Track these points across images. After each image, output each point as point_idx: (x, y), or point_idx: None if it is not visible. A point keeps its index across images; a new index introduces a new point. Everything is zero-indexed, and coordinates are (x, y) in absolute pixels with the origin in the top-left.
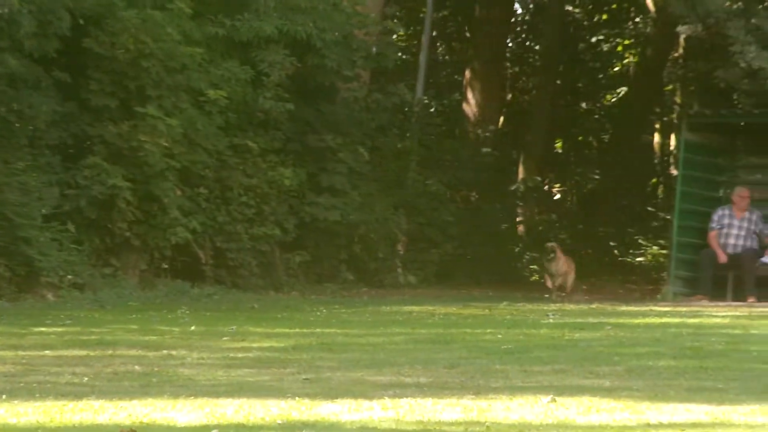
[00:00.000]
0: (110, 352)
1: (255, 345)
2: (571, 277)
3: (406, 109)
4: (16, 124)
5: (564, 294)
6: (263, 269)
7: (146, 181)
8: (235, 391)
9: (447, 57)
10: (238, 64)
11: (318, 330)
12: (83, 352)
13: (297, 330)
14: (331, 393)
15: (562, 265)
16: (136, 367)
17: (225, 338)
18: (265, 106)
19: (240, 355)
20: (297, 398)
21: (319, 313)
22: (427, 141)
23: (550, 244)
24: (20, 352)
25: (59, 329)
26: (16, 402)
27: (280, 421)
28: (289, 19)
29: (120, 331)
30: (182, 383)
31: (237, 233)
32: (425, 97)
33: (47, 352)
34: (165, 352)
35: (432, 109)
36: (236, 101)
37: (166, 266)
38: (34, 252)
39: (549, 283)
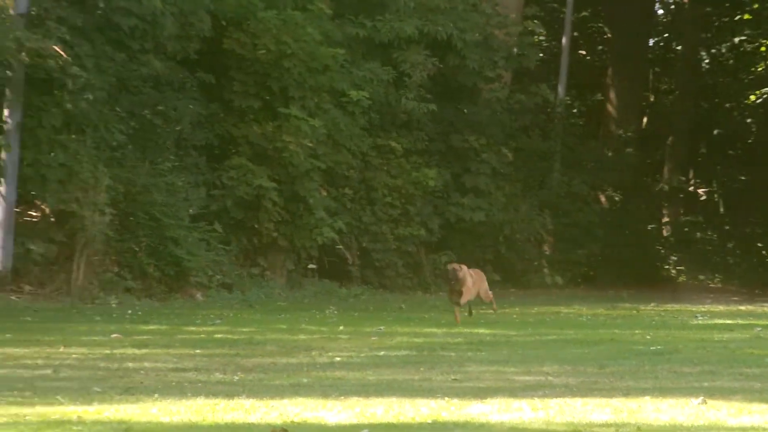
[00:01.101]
0: (260, 351)
1: (403, 345)
2: (480, 290)
3: (549, 109)
4: (162, 126)
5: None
6: (409, 269)
7: (291, 181)
8: (385, 390)
9: (588, 57)
10: (379, 65)
11: (465, 330)
12: (233, 351)
13: (444, 330)
14: (480, 393)
15: (468, 283)
16: (286, 366)
17: (373, 338)
18: (408, 107)
19: (389, 354)
20: (446, 398)
21: (466, 314)
22: (570, 141)
23: (451, 266)
24: (171, 351)
25: (209, 328)
26: (168, 401)
27: (430, 421)
28: (429, 20)
29: (269, 330)
30: (332, 383)
31: (383, 233)
32: (567, 98)
33: (198, 350)
34: (314, 352)
35: (574, 110)
36: (378, 102)
37: (313, 266)
38: (183, 252)
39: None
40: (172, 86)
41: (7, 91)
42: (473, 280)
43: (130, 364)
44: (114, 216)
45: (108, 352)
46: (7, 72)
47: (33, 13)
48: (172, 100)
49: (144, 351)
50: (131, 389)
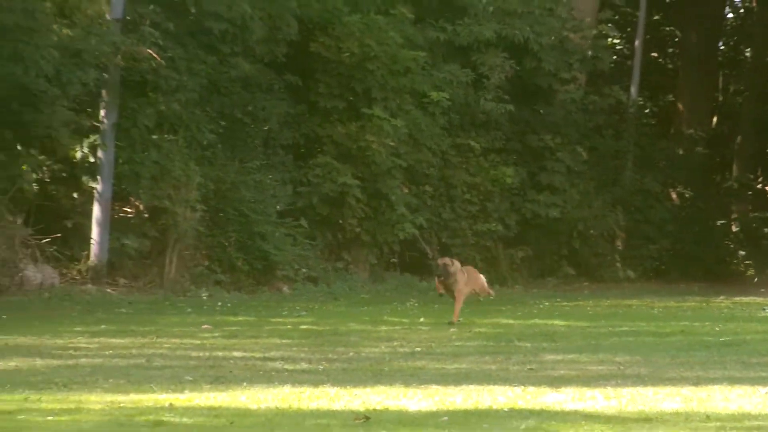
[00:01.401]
0: (344, 341)
1: (481, 336)
2: (476, 288)
3: (622, 110)
4: (251, 126)
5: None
6: (487, 264)
7: (374, 179)
8: (463, 379)
9: (660, 60)
10: (459, 67)
11: (541, 322)
12: (318, 342)
13: (521, 321)
14: (555, 382)
15: (461, 283)
16: (369, 356)
17: (452, 330)
18: (486, 108)
19: (467, 345)
20: (522, 387)
21: (541, 306)
22: (642, 141)
23: (441, 260)
24: (259, 341)
25: (295, 320)
26: (256, 389)
27: (506, 409)
28: (507, 24)
29: (353, 322)
30: (412, 372)
31: (461, 229)
32: (640, 99)
33: (284, 341)
34: (396, 342)
35: (646, 110)
36: (458, 103)
37: (394, 260)
38: (270, 247)
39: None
40: (260, 88)
41: (104, 93)
42: (466, 279)
43: (220, 354)
44: (204, 212)
45: (198, 342)
46: (104, 75)
47: (128, 18)
48: (260, 101)
49: (233, 341)
50: (221, 378)
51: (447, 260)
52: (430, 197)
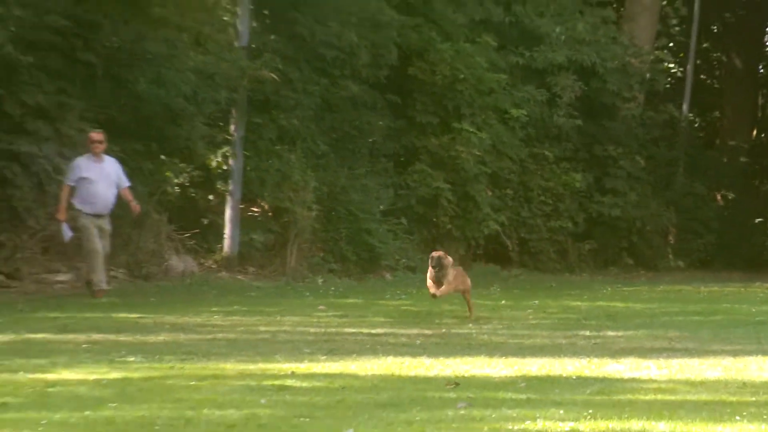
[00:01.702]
0: (437, 320)
1: (553, 315)
2: (462, 288)
3: (674, 124)
4: (358, 138)
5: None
6: (559, 255)
7: (463, 183)
8: (538, 351)
9: (708, 81)
10: (535, 88)
11: (604, 304)
12: (415, 320)
13: (587, 303)
14: (616, 354)
15: (450, 276)
16: (458, 332)
17: (529, 310)
18: (558, 122)
19: (541, 323)
20: (588, 358)
21: (605, 291)
22: (691, 151)
23: (436, 253)
24: (366, 319)
25: (396, 302)
26: (364, 359)
27: (575, 377)
28: (576, 50)
29: (445, 304)
30: (495, 346)
31: (537, 226)
32: (690, 115)
33: (388, 319)
34: (481, 321)
35: (696, 125)
36: (534, 118)
37: (480, 252)
38: (375, 240)
39: (433, 289)
40: (366, 106)
41: (234, 111)
42: (455, 275)
43: (333, 330)
44: (319, 211)
45: (315, 320)
46: (233, 95)
47: (253, 46)
48: (366, 117)
49: (344, 320)
50: (334, 350)
51: (441, 253)
52: (510, 199)
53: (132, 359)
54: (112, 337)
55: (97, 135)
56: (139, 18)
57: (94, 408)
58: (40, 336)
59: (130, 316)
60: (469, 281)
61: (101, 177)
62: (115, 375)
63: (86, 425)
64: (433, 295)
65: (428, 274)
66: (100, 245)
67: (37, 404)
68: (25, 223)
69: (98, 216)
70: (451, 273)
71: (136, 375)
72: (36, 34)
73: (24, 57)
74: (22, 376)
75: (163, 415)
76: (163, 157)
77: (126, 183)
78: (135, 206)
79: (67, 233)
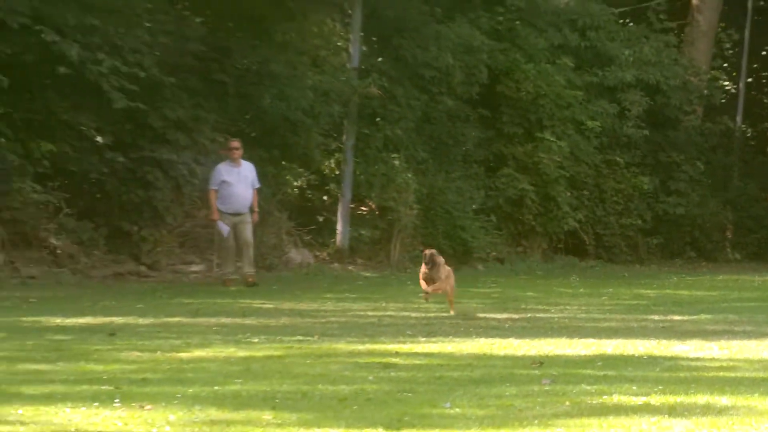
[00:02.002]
0: (523, 306)
1: (625, 302)
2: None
3: (730, 134)
4: (453, 146)
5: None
6: (630, 249)
7: (545, 185)
8: (613, 333)
9: (758, 96)
10: (607, 102)
11: (670, 292)
12: (504, 306)
13: (655, 291)
14: (682, 336)
15: (442, 275)
16: (542, 316)
17: (604, 297)
18: (628, 132)
19: (615, 308)
20: (657, 340)
21: (671, 280)
22: (745, 157)
23: (429, 251)
24: (461, 306)
25: (487, 290)
26: (459, 341)
27: (645, 357)
28: (642, 70)
29: (530, 291)
30: (574, 329)
31: (610, 223)
32: (743, 126)
33: (480, 305)
34: (560, 307)
35: (748, 135)
36: (607, 129)
37: (560, 246)
38: (468, 236)
39: (425, 286)
40: (459, 118)
41: (345, 123)
42: (447, 274)
43: (432, 315)
44: (419, 210)
45: (416, 306)
46: (345, 109)
47: (362, 67)
48: (460, 128)
49: (442, 305)
50: (433, 333)
51: (434, 251)
52: (586, 199)
53: (256, 340)
54: (238, 320)
55: (235, 143)
56: (265, 43)
57: (222, 383)
58: (175, 319)
59: (254, 303)
60: (453, 281)
61: (239, 180)
62: (241, 354)
63: (215, 398)
64: (426, 294)
65: (420, 273)
66: (232, 242)
67: (172, 380)
68: (165, 221)
69: (236, 214)
70: (443, 271)
71: (259, 354)
72: (177, 58)
73: (167, 78)
74: (160, 355)
75: (282, 390)
76: (284, 163)
77: (256, 185)
78: (254, 217)
79: (224, 228)
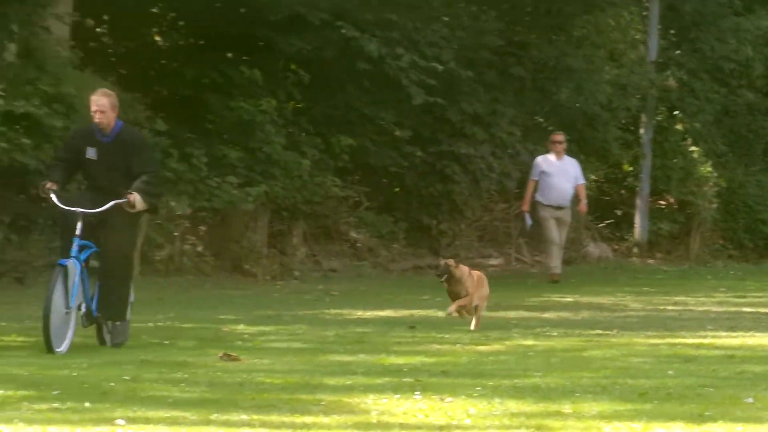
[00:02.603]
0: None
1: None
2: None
3: None
4: (753, 140)
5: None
6: None
7: None
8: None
9: None
10: None
11: None
12: None
13: None
14: None
15: (468, 284)
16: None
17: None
18: None
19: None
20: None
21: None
22: None
23: (444, 261)
24: (764, 300)
25: None
26: (759, 335)
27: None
28: None
29: None
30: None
31: None
32: None
33: None
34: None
35: None
36: None
37: None
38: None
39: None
40: (760, 111)
41: (642, 116)
42: (475, 284)
43: (732, 309)
44: (719, 204)
45: (716, 300)
46: (643, 102)
47: (660, 60)
48: (760, 121)
49: (743, 300)
50: (734, 327)
51: (451, 261)
52: None
53: (555, 333)
54: (537, 314)
55: (558, 136)
56: (562, 38)
57: (522, 376)
58: None
59: (552, 296)
60: (485, 291)
61: (559, 172)
62: (540, 347)
63: (515, 391)
64: (456, 312)
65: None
66: (556, 235)
67: (472, 372)
68: (463, 215)
69: (556, 208)
70: (469, 281)
71: (558, 347)
72: (474, 52)
73: (464, 72)
74: (459, 348)
75: (582, 383)
76: (582, 156)
77: (581, 180)
78: (583, 206)
79: (528, 221)
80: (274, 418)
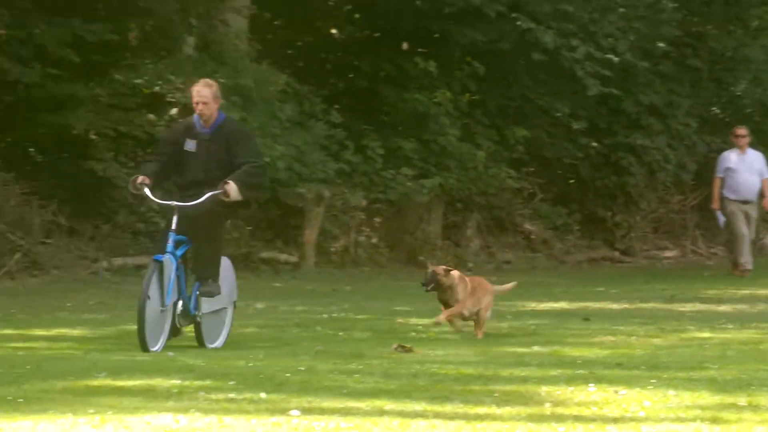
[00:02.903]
0: None
1: None
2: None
3: None
4: None
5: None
6: None
7: None
8: None
9: None
10: None
11: None
12: None
13: None
14: None
15: (459, 291)
16: None
17: None
18: None
19: None
20: None
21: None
22: None
23: (432, 269)
24: None
25: None
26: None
27: None
28: None
29: None
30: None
31: None
32: None
33: None
34: None
35: None
36: None
37: None
38: None
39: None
40: None
41: None
42: (470, 291)
43: None
44: None
45: None
46: None
47: None
48: None
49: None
50: None
51: (440, 269)
52: None
53: (731, 326)
54: (712, 306)
55: (741, 130)
56: (740, 28)
57: (697, 369)
58: (649, 305)
59: (729, 289)
60: (489, 299)
61: (744, 167)
62: (716, 340)
63: (690, 384)
64: (446, 322)
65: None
66: (746, 229)
67: (646, 364)
68: (638, 206)
69: (744, 202)
70: (461, 288)
71: (734, 340)
72: (651, 43)
73: (640, 63)
74: (634, 340)
75: (758, 376)
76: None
77: (766, 174)
78: (767, 202)
79: (721, 219)
80: (448, 409)
